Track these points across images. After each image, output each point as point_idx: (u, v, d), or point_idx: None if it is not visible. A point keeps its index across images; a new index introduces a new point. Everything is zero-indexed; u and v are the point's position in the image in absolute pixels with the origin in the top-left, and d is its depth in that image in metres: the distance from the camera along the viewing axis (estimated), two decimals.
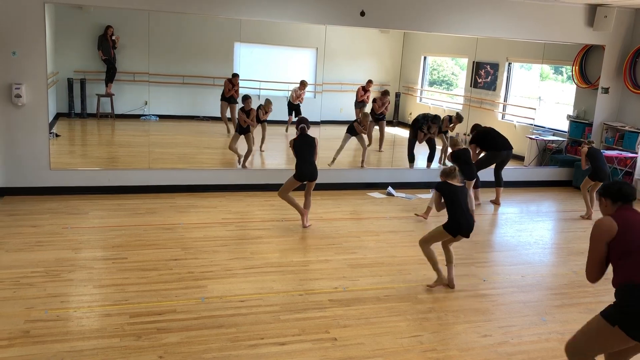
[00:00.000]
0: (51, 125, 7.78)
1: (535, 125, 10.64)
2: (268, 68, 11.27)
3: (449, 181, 4.99)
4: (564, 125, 10.40)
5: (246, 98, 8.91)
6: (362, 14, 7.96)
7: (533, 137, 10.37)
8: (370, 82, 11.15)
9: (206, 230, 6.26)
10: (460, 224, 4.87)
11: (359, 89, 11.22)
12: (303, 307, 4.52)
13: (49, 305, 4.29)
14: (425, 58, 12.57)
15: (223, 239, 6.01)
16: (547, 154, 10.30)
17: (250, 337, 3.99)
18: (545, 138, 10.41)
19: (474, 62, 11.14)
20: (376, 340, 4.06)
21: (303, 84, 10.56)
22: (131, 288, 4.69)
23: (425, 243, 5.04)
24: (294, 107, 10.60)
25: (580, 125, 10.00)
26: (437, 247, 5.13)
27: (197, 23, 10.24)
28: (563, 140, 10.35)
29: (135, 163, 8.44)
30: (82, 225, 6.20)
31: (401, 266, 5.55)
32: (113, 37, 10.15)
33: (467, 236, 4.96)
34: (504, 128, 11.17)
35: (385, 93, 10.47)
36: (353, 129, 9.29)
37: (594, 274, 3.11)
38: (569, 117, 10.29)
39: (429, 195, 8.40)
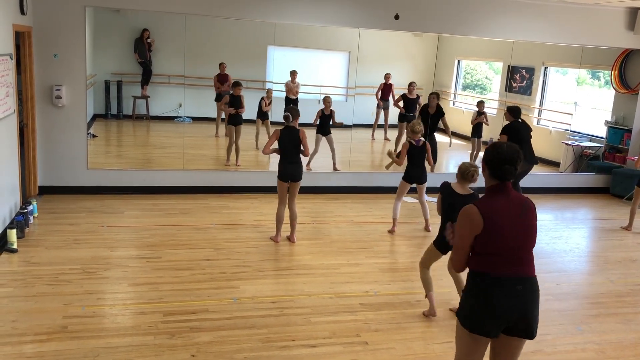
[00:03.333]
0: (88, 125, 7.96)
1: (571, 131, 10.44)
2: (301, 71, 11.32)
3: (454, 186, 4.34)
4: (602, 131, 10.16)
5: (236, 85, 8.75)
6: (397, 17, 7.94)
7: (569, 142, 10.17)
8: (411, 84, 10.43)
9: (238, 232, 6.31)
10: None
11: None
12: (334, 310, 4.52)
13: (86, 302, 4.39)
14: (459, 62, 12.47)
15: (254, 240, 6.06)
16: (584, 160, 10.09)
17: (281, 339, 4.01)
18: (581, 144, 10.19)
19: (509, 66, 10.99)
20: (407, 345, 4.04)
21: (293, 74, 10.20)
22: (165, 287, 4.76)
23: (422, 265, 4.56)
24: (291, 102, 10.27)
25: (618, 131, 9.76)
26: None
27: (232, 26, 10.36)
28: (600, 147, 10.12)
29: (170, 164, 8.57)
30: (117, 224, 6.33)
31: (433, 272, 5.48)
32: (149, 40, 10.35)
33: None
34: (540, 133, 10.99)
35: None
36: None
37: None
38: (606, 122, 10.06)
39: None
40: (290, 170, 5.85)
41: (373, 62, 11.07)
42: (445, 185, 4.39)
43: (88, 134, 7.71)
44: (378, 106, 11.12)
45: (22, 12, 6.28)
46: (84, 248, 5.54)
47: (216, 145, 10.45)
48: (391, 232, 6.65)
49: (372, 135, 11.40)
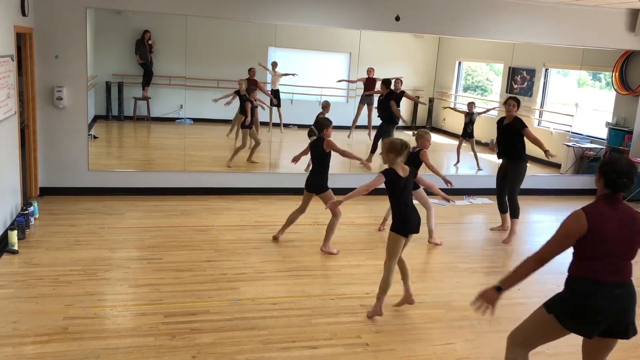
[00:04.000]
0: (89, 127, 7.97)
1: (572, 132, 10.44)
2: (302, 72, 11.33)
3: (395, 167, 4.36)
4: (602, 133, 10.16)
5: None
6: (397, 19, 7.94)
7: (570, 144, 10.16)
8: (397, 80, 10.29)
9: (239, 233, 6.31)
10: (409, 221, 4.37)
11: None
12: (335, 312, 4.52)
13: (87, 303, 4.39)
14: (459, 63, 12.47)
15: (256, 242, 6.06)
16: (585, 161, 10.08)
17: (282, 340, 4.01)
18: (582, 145, 10.19)
19: (510, 67, 10.99)
20: (408, 346, 4.04)
21: (273, 65, 10.24)
22: (166, 288, 4.76)
23: (390, 262, 4.42)
24: (273, 93, 10.31)
25: (619, 132, 9.75)
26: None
27: (233, 28, 10.37)
28: (601, 148, 10.11)
29: (171, 165, 8.58)
30: (118, 226, 6.33)
31: (434, 273, 5.51)
32: (150, 42, 10.37)
33: (417, 231, 4.43)
34: (541, 135, 10.96)
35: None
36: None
37: None
38: (607, 124, 10.06)
39: (464, 202, 8.32)
40: (309, 180, 5.97)
41: (374, 64, 11.06)
42: (387, 173, 4.42)
43: (89, 135, 7.72)
44: (361, 101, 10.92)
45: (23, 14, 6.29)
46: (85, 249, 5.54)
47: (217, 147, 10.46)
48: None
49: (349, 135, 10.68)
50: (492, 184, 9.20)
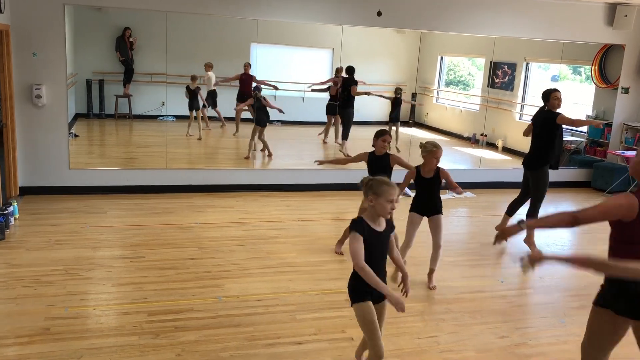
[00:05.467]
0: (70, 125, 7.87)
1: None
2: (284, 69, 11.29)
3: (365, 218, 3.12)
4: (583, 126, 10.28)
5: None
6: (379, 14, 7.95)
7: None
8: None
9: (223, 230, 6.29)
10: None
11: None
12: (319, 307, 4.53)
13: (69, 303, 4.35)
14: (441, 58, 12.52)
15: (239, 239, 6.04)
16: (566, 154, 10.20)
17: (267, 337, 4.00)
18: (563, 138, 10.29)
19: (491, 62, 11.06)
20: (393, 340, 4.05)
21: (208, 66, 10.18)
22: (149, 287, 4.73)
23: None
24: (210, 94, 10.26)
25: None
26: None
27: (214, 24, 10.29)
28: (582, 141, 10.24)
29: (153, 163, 8.52)
30: (100, 225, 6.27)
31: (418, 267, 5.53)
32: (131, 39, 10.25)
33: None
34: (522, 128, 11.08)
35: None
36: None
37: None
38: (588, 117, 10.17)
39: (447, 196, 8.35)
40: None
41: (357, 59, 11.06)
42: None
43: (70, 133, 7.62)
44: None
45: (0, 10, 6.19)
46: (67, 249, 5.48)
47: (199, 144, 10.40)
48: None
49: (324, 138, 10.74)
50: (476, 177, 9.27)
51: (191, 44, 10.42)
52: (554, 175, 9.66)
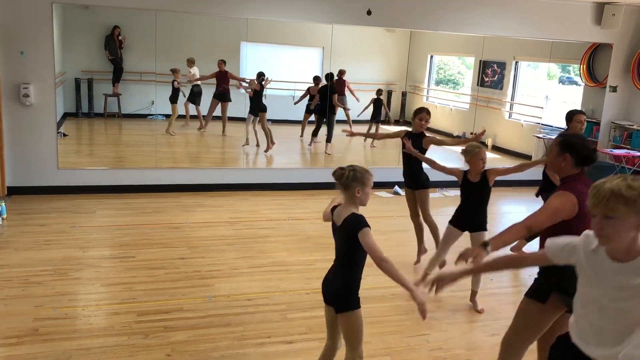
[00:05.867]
0: (59, 124, 7.82)
1: (542, 124, 10.61)
2: (275, 67, 11.27)
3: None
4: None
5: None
6: (369, 12, 7.95)
7: (540, 136, 10.33)
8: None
9: (213, 229, 6.27)
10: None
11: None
12: (310, 306, 4.52)
13: (58, 304, 4.32)
14: (431, 57, 12.56)
15: (230, 238, 6.02)
16: None
17: (257, 336, 4.00)
18: (552, 137, 10.36)
19: (480, 60, 11.11)
20: (383, 339, 4.06)
21: (190, 61, 10.17)
22: (138, 287, 4.71)
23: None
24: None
25: (588, 124, 9.94)
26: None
27: (204, 22, 10.26)
28: None
29: (142, 162, 8.48)
30: (89, 224, 6.23)
31: (408, 265, 5.55)
32: (120, 38, 10.20)
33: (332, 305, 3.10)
34: (512, 127, 11.15)
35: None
36: None
37: None
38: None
39: (436, 195, 8.38)
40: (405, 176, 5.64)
41: (347, 58, 11.08)
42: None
43: (58, 133, 7.57)
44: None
45: None
46: (55, 249, 5.44)
47: (189, 143, 10.37)
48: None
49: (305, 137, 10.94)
50: None
51: (181, 42, 10.39)
52: (541, 173, 9.75)
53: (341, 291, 3.02)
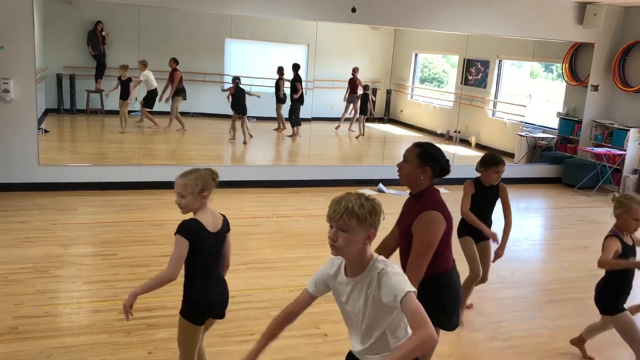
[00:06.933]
0: (40, 121, 7.72)
1: (525, 123, 10.70)
2: (259, 64, 11.25)
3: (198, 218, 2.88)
4: (554, 123, 10.46)
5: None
6: (354, 10, 7.96)
7: (523, 134, 10.42)
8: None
9: None
10: (206, 299, 2.99)
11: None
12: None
13: (38, 302, 4.26)
14: (416, 55, 12.61)
15: None
16: (537, 151, 10.36)
17: (241, 333, 3.98)
18: (535, 135, 10.46)
19: (464, 59, 11.17)
20: None
21: (142, 64, 9.75)
22: (121, 284, 4.66)
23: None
24: (149, 94, 9.95)
25: (570, 122, 10.07)
26: None
27: (187, 18, 10.19)
28: (553, 138, 10.41)
29: (125, 159, 8.40)
30: (71, 222, 6.16)
31: (390, 258, 5.56)
32: (103, 33, 10.09)
33: (221, 315, 3.12)
34: (495, 126, 11.24)
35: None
36: None
37: None
38: (558, 114, 10.35)
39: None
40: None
41: (332, 55, 11.09)
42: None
43: (39, 129, 7.48)
44: (348, 101, 11.64)
45: None
46: (36, 246, 5.37)
47: (172, 140, 10.30)
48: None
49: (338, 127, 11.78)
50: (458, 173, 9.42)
51: (164, 38, 10.31)
52: (525, 171, 9.85)
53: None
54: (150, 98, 9.91)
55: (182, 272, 2.85)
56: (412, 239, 2.78)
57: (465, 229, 4.23)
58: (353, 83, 11.37)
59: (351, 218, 2.02)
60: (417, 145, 2.84)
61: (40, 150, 7.19)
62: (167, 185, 7.76)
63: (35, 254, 5.18)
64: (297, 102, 10.57)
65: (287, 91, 10.81)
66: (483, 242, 4.30)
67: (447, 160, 2.84)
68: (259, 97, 9.86)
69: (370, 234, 2.04)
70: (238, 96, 9.83)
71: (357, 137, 11.42)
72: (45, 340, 3.74)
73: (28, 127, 7.03)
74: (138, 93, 9.96)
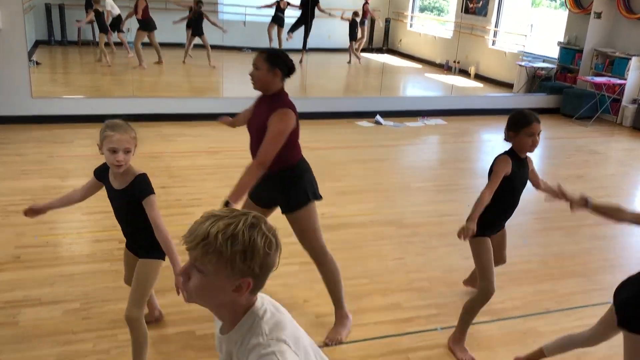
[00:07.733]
0: (31, 53, 7.58)
1: (525, 52, 10.52)
2: None
3: None
4: (555, 52, 10.27)
5: None
6: None
7: (523, 63, 10.27)
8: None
9: (193, 159, 6.25)
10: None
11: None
12: (289, 232, 4.57)
13: (38, 232, 4.33)
14: None
15: (210, 168, 6.02)
16: (537, 81, 10.24)
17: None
18: (534, 65, 10.31)
19: None
20: (361, 263, 4.17)
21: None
22: None
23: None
24: (114, 21, 9.91)
25: (570, 51, 9.89)
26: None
27: None
28: (552, 67, 10.26)
29: (119, 91, 8.31)
30: (67, 154, 6.17)
31: (387, 193, 5.62)
32: None
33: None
34: (495, 55, 11.04)
35: None
36: None
37: None
38: (559, 43, 10.15)
39: (418, 124, 8.39)
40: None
41: None
42: None
43: (30, 61, 7.34)
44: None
45: None
46: (34, 178, 5.40)
47: (168, 71, 10.14)
48: None
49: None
50: (447, 104, 9.33)
51: None
52: (524, 101, 9.77)
53: None
54: (115, 25, 9.88)
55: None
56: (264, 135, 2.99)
57: (487, 223, 3.20)
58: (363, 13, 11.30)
59: (208, 254, 1.30)
60: (263, 51, 3.04)
61: (33, 83, 7.09)
62: (163, 118, 7.77)
63: (33, 186, 5.21)
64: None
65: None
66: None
67: (292, 60, 3.07)
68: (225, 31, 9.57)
69: (242, 284, 1.33)
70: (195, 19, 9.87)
71: (347, 63, 11.32)
72: (48, 268, 3.82)
73: (18, 59, 6.90)
74: (130, 24, 9.72)
